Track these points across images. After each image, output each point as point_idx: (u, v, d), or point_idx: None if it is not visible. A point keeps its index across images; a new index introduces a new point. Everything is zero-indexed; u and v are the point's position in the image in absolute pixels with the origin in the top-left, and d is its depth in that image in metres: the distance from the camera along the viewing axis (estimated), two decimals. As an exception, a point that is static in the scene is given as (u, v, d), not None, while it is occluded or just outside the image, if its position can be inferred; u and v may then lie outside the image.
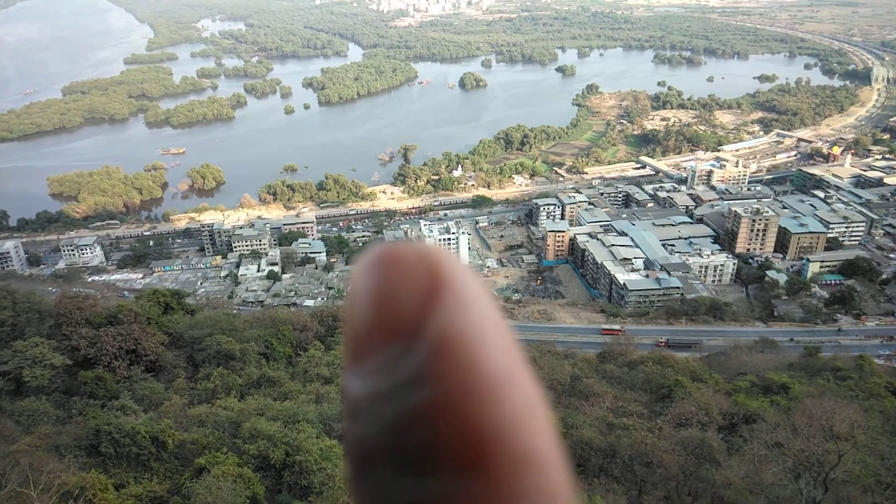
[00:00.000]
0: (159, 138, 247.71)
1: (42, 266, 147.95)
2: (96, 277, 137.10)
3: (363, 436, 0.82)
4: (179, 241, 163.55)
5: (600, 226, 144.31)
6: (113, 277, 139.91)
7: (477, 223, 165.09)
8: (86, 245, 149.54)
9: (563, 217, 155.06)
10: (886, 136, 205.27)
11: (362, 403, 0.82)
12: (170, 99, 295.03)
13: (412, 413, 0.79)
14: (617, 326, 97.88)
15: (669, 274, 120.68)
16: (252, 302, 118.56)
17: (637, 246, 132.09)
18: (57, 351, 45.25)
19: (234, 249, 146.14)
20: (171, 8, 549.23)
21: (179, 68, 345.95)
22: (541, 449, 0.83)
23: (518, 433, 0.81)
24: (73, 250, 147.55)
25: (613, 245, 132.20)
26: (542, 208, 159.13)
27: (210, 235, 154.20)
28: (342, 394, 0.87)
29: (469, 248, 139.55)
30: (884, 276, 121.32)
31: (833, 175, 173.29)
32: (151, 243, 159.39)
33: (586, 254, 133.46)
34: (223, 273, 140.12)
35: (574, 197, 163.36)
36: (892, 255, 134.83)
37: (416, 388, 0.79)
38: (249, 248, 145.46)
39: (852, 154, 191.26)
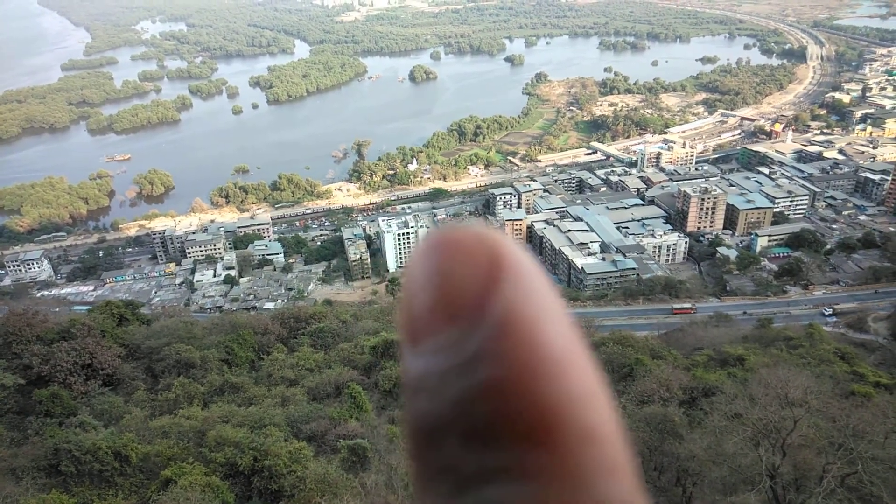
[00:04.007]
0: (103, 145, 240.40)
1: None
2: (45, 292, 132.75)
3: (426, 411, 0.84)
4: (130, 249, 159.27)
5: (556, 212, 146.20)
6: (63, 291, 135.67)
7: (435, 216, 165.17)
8: (32, 259, 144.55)
9: (519, 205, 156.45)
10: (824, 112, 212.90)
11: (425, 381, 0.85)
12: (112, 104, 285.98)
13: (478, 389, 0.81)
14: (688, 305, 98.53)
15: (625, 256, 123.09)
16: (210, 308, 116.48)
17: (592, 230, 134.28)
18: (8, 370, 43.65)
19: (188, 255, 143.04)
20: (108, 10, 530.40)
21: (120, 72, 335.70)
22: (604, 426, 0.84)
23: (582, 410, 0.83)
24: (18, 265, 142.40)
25: (570, 230, 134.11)
26: (498, 198, 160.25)
27: (162, 242, 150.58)
28: (401, 373, 0.89)
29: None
30: (828, 247, 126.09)
31: (776, 151, 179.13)
32: (101, 254, 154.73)
33: (544, 240, 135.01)
34: (178, 280, 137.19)
35: (529, 185, 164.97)
36: (834, 226, 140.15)
37: (481, 366, 0.81)
38: (204, 253, 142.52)
39: (793, 130, 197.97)
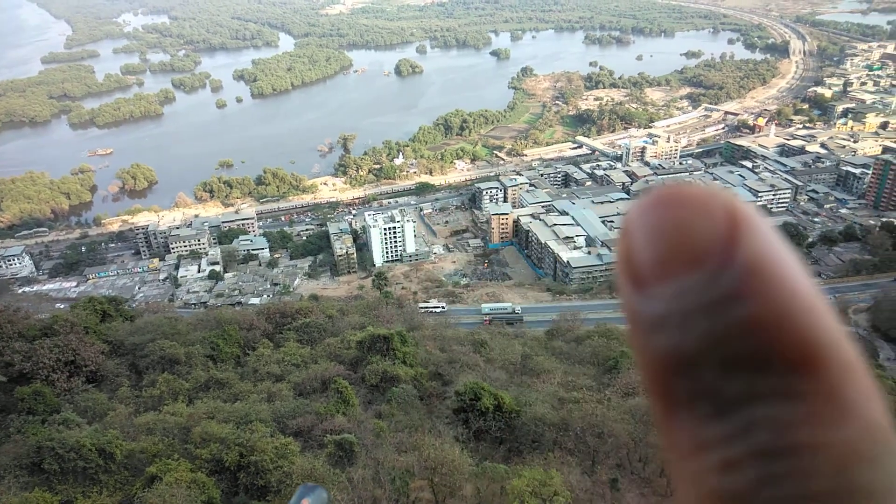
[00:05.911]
0: (85, 140, 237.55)
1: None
2: (27, 288, 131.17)
3: (672, 346, 0.90)
4: (113, 245, 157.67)
5: (542, 206, 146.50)
6: (45, 287, 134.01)
7: (421, 210, 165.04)
8: (13, 255, 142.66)
9: (505, 200, 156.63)
10: (806, 106, 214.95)
11: (666, 320, 0.91)
12: (93, 98, 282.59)
13: (736, 324, 0.87)
14: None
15: (610, 249, 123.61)
16: (194, 303, 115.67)
17: (578, 224, 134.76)
18: (-12, 368, 43.19)
19: (172, 251, 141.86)
20: (89, 2, 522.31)
21: (102, 66, 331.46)
22: (858, 360, 0.91)
23: (839, 344, 0.90)
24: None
25: (556, 224, 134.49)
26: (484, 192, 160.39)
27: (145, 238, 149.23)
28: (626, 316, 0.96)
29: (415, 235, 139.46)
30: (810, 240, 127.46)
31: (759, 145, 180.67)
32: (84, 249, 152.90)
33: (530, 234, 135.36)
34: (162, 276, 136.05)
35: (515, 179, 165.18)
36: (816, 220, 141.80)
37: (737, 304, 0.87)
38: (188, 248, 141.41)
39: (776, 124, 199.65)
